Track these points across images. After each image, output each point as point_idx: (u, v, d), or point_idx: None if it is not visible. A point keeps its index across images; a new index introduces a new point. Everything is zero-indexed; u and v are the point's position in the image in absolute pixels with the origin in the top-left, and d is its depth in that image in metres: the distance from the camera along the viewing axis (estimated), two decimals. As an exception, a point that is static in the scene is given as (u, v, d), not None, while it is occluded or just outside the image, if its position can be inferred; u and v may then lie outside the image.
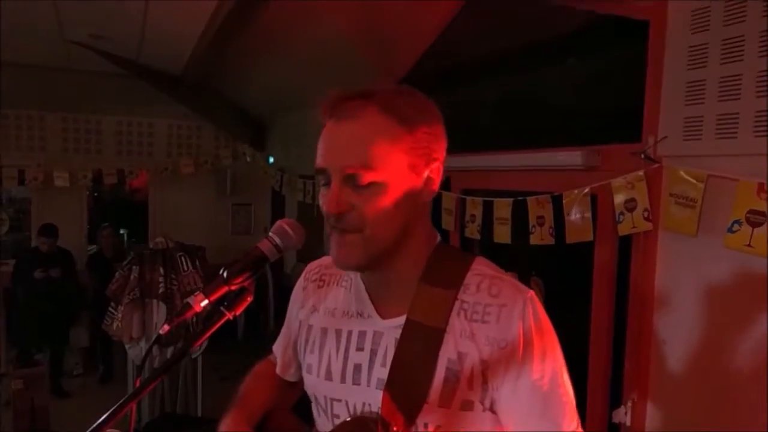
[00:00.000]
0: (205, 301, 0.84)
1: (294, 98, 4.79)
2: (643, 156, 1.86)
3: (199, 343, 0.84)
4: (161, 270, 4.13)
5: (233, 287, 0.86)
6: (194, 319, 0.83)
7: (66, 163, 6.36)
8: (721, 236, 1.60)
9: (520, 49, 2.66)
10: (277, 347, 1.19)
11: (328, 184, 0.91)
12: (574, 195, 2.10)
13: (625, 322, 2.02)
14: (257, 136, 6.70)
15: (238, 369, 1.39)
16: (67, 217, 6.54)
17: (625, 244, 2.00)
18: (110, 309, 4.21)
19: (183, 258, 4.23)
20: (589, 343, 2.18)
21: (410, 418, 0.88)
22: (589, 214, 2.06)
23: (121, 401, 0.78)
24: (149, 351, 0.83)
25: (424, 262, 0.96)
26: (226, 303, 0.86)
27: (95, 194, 8.29)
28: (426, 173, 0.94)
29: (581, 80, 2.46)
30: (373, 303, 0.99)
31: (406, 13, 2.91)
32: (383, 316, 0.97)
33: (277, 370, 1.18)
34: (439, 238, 1.01)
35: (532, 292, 0.93)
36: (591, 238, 2.07)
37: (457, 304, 0.92)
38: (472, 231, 2.58)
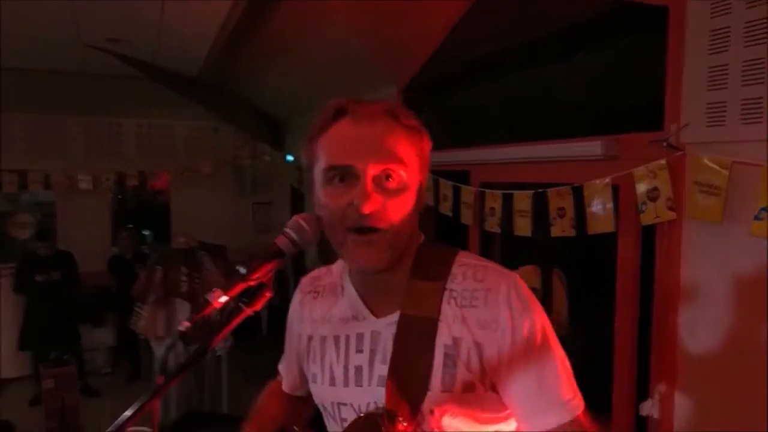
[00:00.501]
0: (224, 297, 0.84)
1: (310, 97, 4.79)
2: (665, 144, 1.82)
3: (219, 338, 0.84)
4: (184, 269, 4.19)
5: (251, 283, 0.87)
6: (217, 317, 0.85)
7: (89, 167, 6.46)
8: (748, 224, 1.56)
9: (533, 42, 2.63)
10: (282, 366, 1.23)
11: (344, 180, 0.92)
12: (595, 185, 2.07)
13: (650, 313, 1.98)
14: (275, 135, 6.74)
15: (263, 366, 1.43)
16: (91, 220, 6.66)
17: (649, 234, 1.96)
18: (136, 308, 4.27)
19: (205, 257, 4.28)
20: (613, 335, 2.14)
21: (415, 407, 0.91)
22: (610, 205, 2.02)
23: (144, 399, 0.79)
24: (171, 347, 0.83)
25: (413, 259, 1.01)
26: (245, 299, 0.87)
27: (118, 197, 8.41)
28: (424, 180, 1.01)
29: (597, 70, 2.43)
30: (366, 305, 1.02)
31: (418, 10, 2.90)
32: (378, 316, 1.00)
33: (284, 388, 1.23)
34: (422, 236, 1.05)
35: (515, 275, 0.98)
36: (613, 229, 2.03)
37: (447, 293, 0.97)
38: (492, 224, 2.56)
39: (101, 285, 6.04)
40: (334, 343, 1.04)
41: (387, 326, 0.98)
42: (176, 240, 4.59)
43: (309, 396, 1.15)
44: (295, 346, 1.14)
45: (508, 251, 2.80)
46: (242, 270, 0.86)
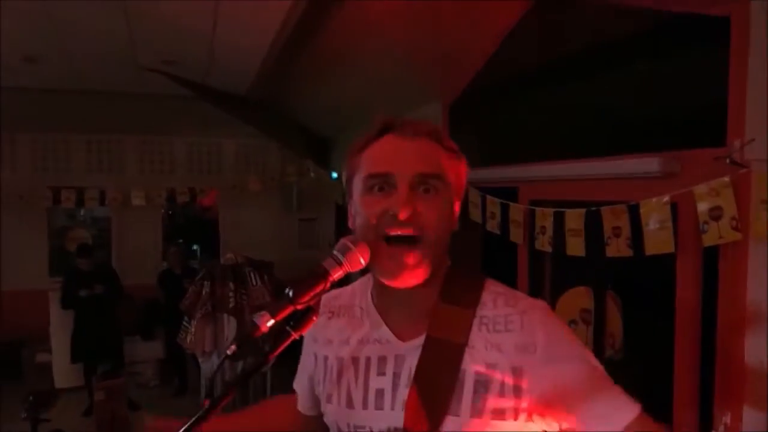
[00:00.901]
0: (272, 321, 0.83)
1: (355, 114, 4.83)
2: (728, 160, 1.73)
3: (266, 364, 0.82)
4: (231, 285, 4.24)
5: (299, 307, 0.85)
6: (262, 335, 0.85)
7: (142, 184, 6.66)
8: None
9: (586, 55, 2.56)
10: (297, 384, 1.21)
11: (383, 189, 0.94)
12: (653, 204, 1.98)
13: (712, 337, 1.87)
14: (320, 153, 6.81)
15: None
16: (143, 235, 6.87)
17: (711, 255, 1.86)
18: (184, 323, 4.34)
19: (252, 273, 4.32)
20: (672, 361, 2.04)
21: (433, 430, 0.90)
22: (669, 224, 1.93)
23: (189, 423, 0.77)
24: (220, 367, 0.83)
25: (441, 283, 1.00)
26: (291, 323, 0.85)
27: (169, 212, 8.64)
28: (458, 203, 1.02)
29: (655, 84, 2.34)
30: (388, 327, 1.01)
31: (466, 24, 2.87)
32: (402, 339, 0.99)
33: (299, 407, 1.20)
34: (449, 261, 1.05)
35: (544, 302, 1.00)
36: (672, 250, 1.94)
37: (477, 320, 0.97)
38: (543, 243, 2.49)
39: (151, 299, 6.19)
40: (353, 364, 1.02)
41: (411, 350, 0.97)
42: (224, 256, 4.66)
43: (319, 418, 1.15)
44: (310, 366, 1.13)
45: (558, 271, 2.71)
46: (290, 293, 0.84)
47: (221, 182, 7.00)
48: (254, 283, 4.31)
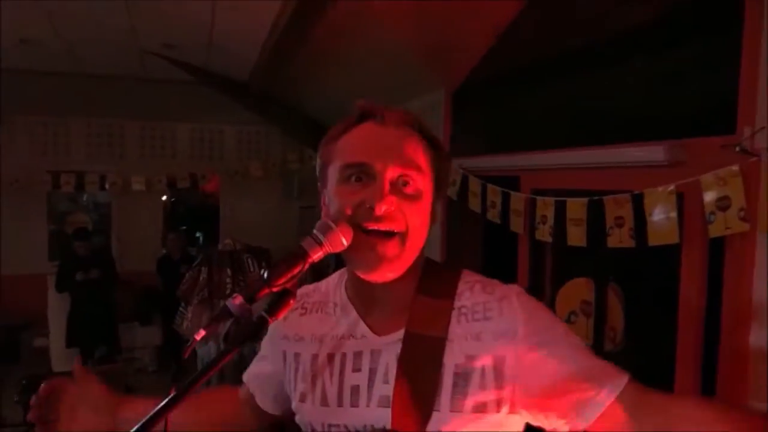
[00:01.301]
0: (246, 305, 0.77)
1: (354, 101, 4.77)
2: (738, 149, 1.67)
3: (235, 350, 0.77)
4: (229, 271, 4.20)
5: (275, 289, 0.79)
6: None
7: (143, 169, 6.62)
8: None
9: (591, 42, 2.49)
10: (252, 380, 1.16)
11: (360, 180, 0.90)
12: (657, 193, 1.92)
13: (716, 331, 1.82)
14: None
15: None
16: (144, 221, 6.84)
17: (717, 247, 1.80)
18: (180, 309, 4.31)
19: (250, 259, 4.28)
20: (674, 354, 1.98)
21: (421, 429, 0.87)
22: (674, 214, 1.87)
23: (153, 411, 0.72)
24: (189, 348, 0.77)
25: (418, 276, 0.98)
26: (267, 307, 0.79)
27: (171, 198, 8.61)
28: (439, 198, 0.99)
29: (660, 70, 2.27)
30: (364, 322, 0.97)
31: (468, 12, 2.80)
32: (378, 334, 0.95)
33: (258, 401, 1.14)
34: (425, 254, 1.02)
35: (518, 286, 0.97)
36: (677, 241, 1.88)
37: (455, 311, 0.94)
38: (543, 233, 2.43)
39: (150, 285, 6.16)
40: (327, 361, 0.98)
41: (389, 345, 0.93)
42: (222, 242, 4.63)
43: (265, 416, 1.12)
44: (277, 363, 1.08)
45: (559, 262, 2.66)
46: (265, 274, 0.78)
47: (223, 168, 6.96)
48: (252, 270, 4.27)
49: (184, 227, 7.04)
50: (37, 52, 4.55)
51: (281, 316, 0.81)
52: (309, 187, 7.18)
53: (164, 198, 7.45)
